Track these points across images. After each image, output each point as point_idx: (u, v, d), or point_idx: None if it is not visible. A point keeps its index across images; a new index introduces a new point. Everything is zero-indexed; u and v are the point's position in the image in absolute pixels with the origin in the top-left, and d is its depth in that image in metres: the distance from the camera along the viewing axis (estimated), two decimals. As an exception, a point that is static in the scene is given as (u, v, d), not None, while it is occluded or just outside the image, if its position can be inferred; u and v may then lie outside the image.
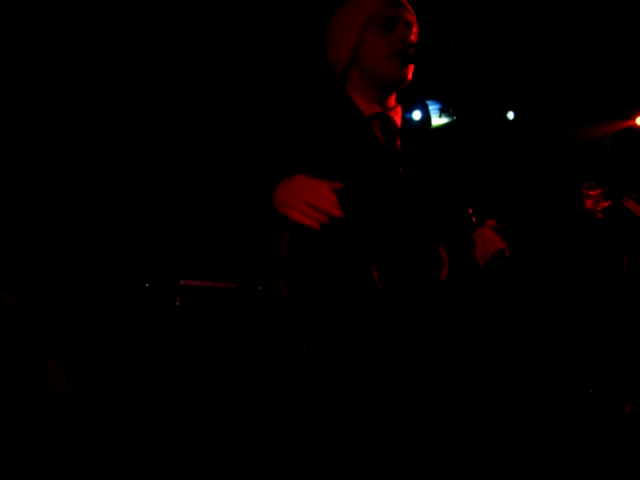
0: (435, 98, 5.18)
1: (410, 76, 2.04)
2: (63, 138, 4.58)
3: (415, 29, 2.04)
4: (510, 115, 5.21)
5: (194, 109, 4.77)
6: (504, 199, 4.54)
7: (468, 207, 2.20)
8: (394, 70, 2.00)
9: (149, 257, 4.59)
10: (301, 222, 1.71)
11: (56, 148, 4.55)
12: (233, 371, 3.77)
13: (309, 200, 1.70)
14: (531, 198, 4.50)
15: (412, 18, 2.05)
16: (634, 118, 5.26)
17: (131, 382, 3.87)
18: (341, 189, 1.74)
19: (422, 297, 1.91)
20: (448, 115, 5.09)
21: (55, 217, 4.51)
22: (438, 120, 5.10)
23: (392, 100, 2.11)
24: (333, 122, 1.99)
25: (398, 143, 2.06)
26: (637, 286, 4.25)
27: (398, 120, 2.12)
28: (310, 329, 1.72)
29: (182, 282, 3.98)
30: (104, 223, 4.65)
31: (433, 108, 5.11)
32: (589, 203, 2.20)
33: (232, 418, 3.59)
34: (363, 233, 1.86)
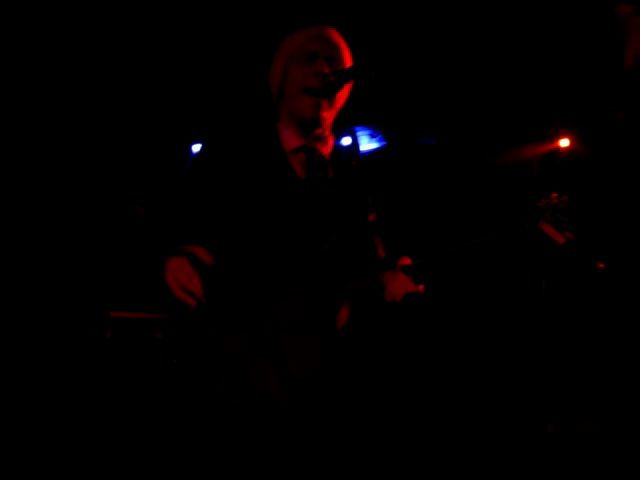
0: (366, 124, 5.22)
1: (323, 114, 2.02)
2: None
3: (338, 64, 2.03)
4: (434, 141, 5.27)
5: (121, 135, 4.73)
6: (429, 229, 4.57)
7: (378, 247, 2.08)
8: (306, 107, 2.00)
9: (78, 289, 4.49)
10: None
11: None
12: (166, 405, 3.71)
13: (185, 285, 1.80)
14: (459, 227, 4.54)
15: (336, 54, 2.04)
16: (557, 140, 5.41)
17: (62, 418, 3.76)
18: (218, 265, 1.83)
19: (318, 343, 1.90)
20: (378, 140, 5.14)
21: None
22: (368, 146, 5.13)
23: (321, 131, 2.08)
24: (255, 157, 2.01)
25: (320, 174, 2.06)
26: (555, 308, 4.34)
27: (327, 150, 2.11)
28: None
29: (112, 314, 3.92)
30: (31, 254, 4.53)
31: (363, 134, 5.15)
32: (547, 229, 1.89)
33: (168, 455, 3.53)
34: (258, 288, 1.90)
